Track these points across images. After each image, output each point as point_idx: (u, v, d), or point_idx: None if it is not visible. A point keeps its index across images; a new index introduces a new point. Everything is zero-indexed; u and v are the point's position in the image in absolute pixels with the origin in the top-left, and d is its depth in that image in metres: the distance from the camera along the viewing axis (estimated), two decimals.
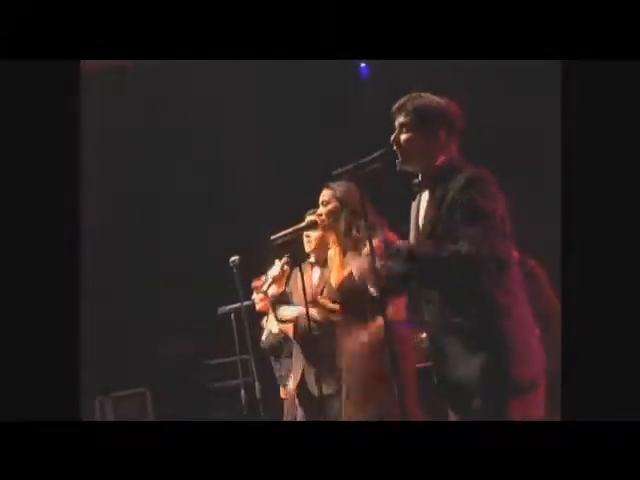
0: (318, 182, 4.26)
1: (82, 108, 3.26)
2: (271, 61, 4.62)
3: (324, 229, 4.13)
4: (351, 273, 4.00)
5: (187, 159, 7.53)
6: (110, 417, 6.97)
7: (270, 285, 4.45)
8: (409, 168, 3.22)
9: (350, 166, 3.58)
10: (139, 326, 7.16)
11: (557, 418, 2.95)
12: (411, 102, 3.19)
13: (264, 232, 4.44)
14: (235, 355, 5.02)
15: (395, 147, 3.20)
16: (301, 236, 4.34)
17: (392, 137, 3.21)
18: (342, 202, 4.09)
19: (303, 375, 4.54)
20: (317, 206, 4.41)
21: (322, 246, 4.43)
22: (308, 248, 4.52)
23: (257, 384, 4.71)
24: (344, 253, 4.10)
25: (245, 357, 5.03)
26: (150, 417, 7.06)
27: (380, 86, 7.16)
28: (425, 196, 3.18)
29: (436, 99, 3.20)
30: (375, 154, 3.56)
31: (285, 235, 4.19)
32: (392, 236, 3.51)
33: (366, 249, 3.61)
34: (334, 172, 3.67)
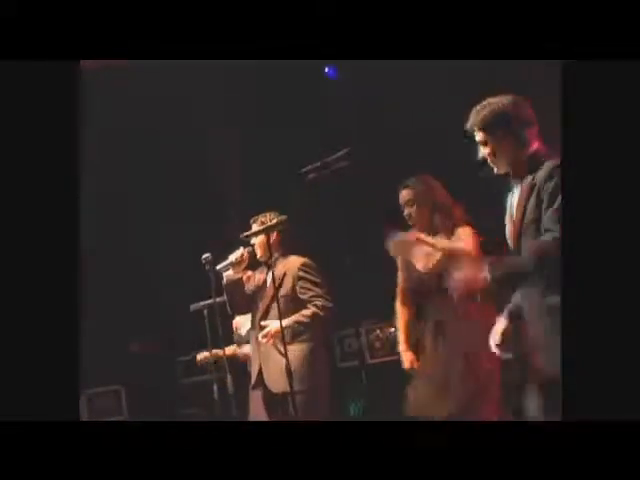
0: (287, 180, 4.37)
1: (82, 108, 3.26)
2: (253, 63, 4.67)
3: (415, 224, 4.29)
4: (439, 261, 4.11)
5: (184, 159, 7.54)
6: (84, 414, 6.92)
7: (228, 267, 4.67)
8: (504, 172, 3.30)
9: (317, 164, 3.71)
10: (112, 323, 7.15)
11: (557, 418, 2.95)
12: (479, 116, 3.25)
13: (235, 229, 4.77)
14: (207, 351, 5.07)
15: (487, 161, 3.28)
16: (269, 234, 4.54)
17: (479, 155, 3.29)
18: (425, 199, 4.26)
19: (261, 371, 4.62)
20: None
21: (266, 251, 4.65)
22: (259, 255, 4.74)
23: (229, 380, 4.75)
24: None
25: (219, 353, 5.07)
26: (125, 414, 7.09)
27: (347, 86, 7.22)
28: (517, 189, 3.26)
29: (500, 101, 3.26)
30: (340, 153, 3.68)
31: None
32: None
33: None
34: (302, 170, 3.79)
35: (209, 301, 4.90)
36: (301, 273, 4.64)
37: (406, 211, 4.31)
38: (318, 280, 4.61)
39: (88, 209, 3.84)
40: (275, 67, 6.38)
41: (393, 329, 6.41)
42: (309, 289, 4.62)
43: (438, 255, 3.86)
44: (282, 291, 4.62)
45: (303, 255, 4.75)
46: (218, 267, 4.72)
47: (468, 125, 3.30)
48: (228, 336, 5.06)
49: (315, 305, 4.57)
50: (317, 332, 4.63)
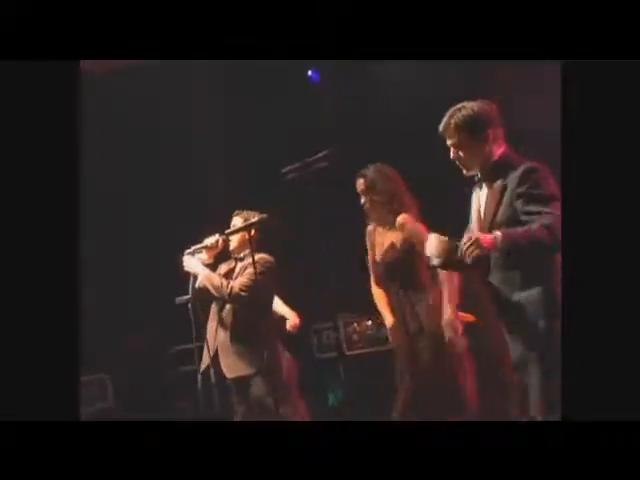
0: (269, 179, 4.47)
1: (82, 108, 3.26)
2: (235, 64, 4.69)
3: (369, 211, 4.44)
4: (392, 245, 4.35)
5: (183, 158, 7.55)
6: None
7: (201, 249, 4.82)
8: (473, 173, 3.40)
9: (298, 164, 3.83)
10: (100, 314, 7.18)
11: (557, 418, 2.95)
12: (452, 119, 3.35)
13: (220, 225, 4.85)
14: (192, 343, 5.13)
15: (457, 162, 3.39)
16: (251, 231, 4.63)
17: (451, 156, 3.39)
18: (376, 186, 4.39)
19: (217, 354, 4.75)
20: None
21: (242, 246, 4.80)
22: (233, 246, 4.89)
23: (211, 370, 4.80)
24: (383, 229, 4.47)
25: (201, 344, 5.13)
26: (111, 403, 7.14)
27: (330, 89, 7.27)
28: (485, 189, 3.37)
29: (472, 106, 3.36)
30: (320, 154, 3.80)
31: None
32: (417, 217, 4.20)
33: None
34: (283, 170, 3.89)
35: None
36: (251, 265, 4.71)
37: (362, 199, 4.44)
38: (256, 276, 4.65)
39: (88, 209, 3.85)
40: (260, 67, 6.40)
41: (370, 322, 6.62)
42: (245, 276, 4.71)
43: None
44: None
45: (273, 254, 4.82)
46: (192, 248, 4.82)
47: (441, 127, 3.38)
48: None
49: (233, 284, 4.69)
50: (265, 322, 4.73)
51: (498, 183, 3.29)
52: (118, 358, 7.32)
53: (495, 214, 3.28)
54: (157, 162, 7.47)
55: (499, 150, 3.35)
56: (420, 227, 4.24)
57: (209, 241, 4.81)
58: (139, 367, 7.30)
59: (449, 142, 3.38)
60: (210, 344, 4.80)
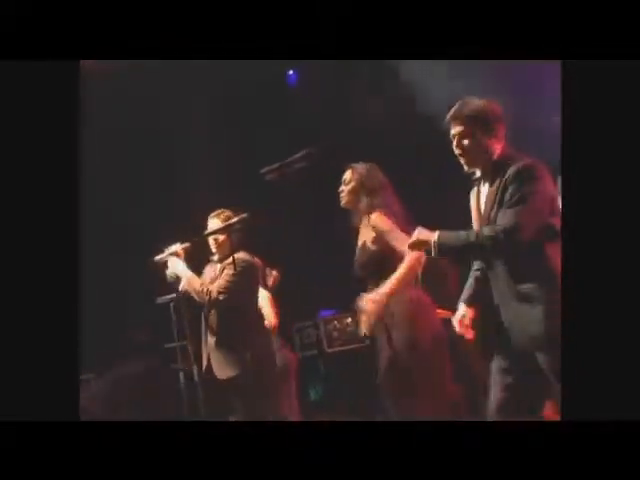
0: (249, 180, 4.50)
1: (82, 108, 3.26)
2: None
3: (345, 205, 4.34)
4: (364, 245, 4.24)
5: (182, 158, 7.57)
6: None
7: (165, 257, 4.83)
8: (474, 168, 3.39)
9: (276, 165, 3.83)
10: (87, 312, 7.22)
11: (557, 418, 2.95)
12: (462, 110, 3.35)
13: (200, 226, 4.92)
14: (174, 342, 5.13)
15: (459, 154, 3.37)
16: (231, 231, 4.68)
17: (454, 145, 3.37)
18: (361, 182, 4.28)
19: (209, 356, 4.77)
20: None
21: (224, 247, 4.84)
22: (214, 248, 4.91)
23: (195, 368, 4.83)
24: (362, 228, 4.36)
25: (184, 343, 5.15)
26: (97, 403, 7.18)
27: (308, 90, 7.28)
28: (485, 187, 3.37)
29: (481, 101, 3.36)
30: (298, 154, 3.80)
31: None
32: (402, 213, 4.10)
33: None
34: (262, 170, 3.90)
35: (174, 295, 4.97)
36: (228, 267, 4.73)
37: (341, 187, 4.36)
38: (233, 277, 4.68)
39: (88, 208, 3.86)
40: (257, 67, 6.41)
41: (350, 319, 6.67)
42: (223, 278, 4.73)
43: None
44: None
45: (254, 253, 4.84)
46: (156, 258, 4.82)
47: (449, 115, 3.36)
48: (192, 326, 5.14)
49: (212, 289, 4.69)
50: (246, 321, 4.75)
51: (497, 182, 3.28)
52: (106, 358, 7.36)
53: (491, 212, 3.28)
54: (157, 162, 7.48)
55: (500, 148, 3.34)
56: (393, 227, 4.18)
57: (172, 249, 4.80)
58: (127, 366, 7.33)
59: (456, 130, 3.35)
60: (202, 344, 4.82)
